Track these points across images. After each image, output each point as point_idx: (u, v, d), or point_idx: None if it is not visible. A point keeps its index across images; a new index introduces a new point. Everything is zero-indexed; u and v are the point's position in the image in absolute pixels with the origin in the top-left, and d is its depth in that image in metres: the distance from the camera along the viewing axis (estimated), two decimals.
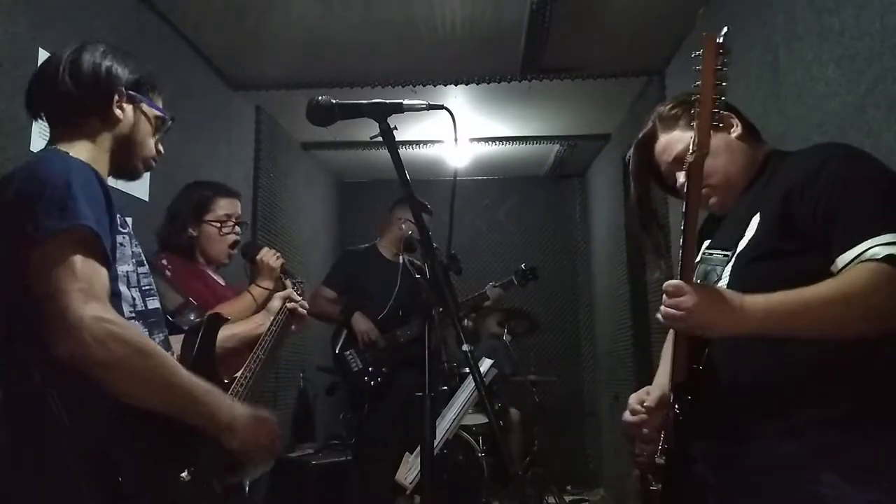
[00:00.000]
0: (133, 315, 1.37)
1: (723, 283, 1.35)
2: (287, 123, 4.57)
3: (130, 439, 1.24)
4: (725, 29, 1.22)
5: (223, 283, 2.55)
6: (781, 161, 1.41)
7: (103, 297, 1.22)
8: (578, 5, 3.08)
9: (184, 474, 1.32)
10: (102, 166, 1.46)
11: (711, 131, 1.24)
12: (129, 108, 1.49)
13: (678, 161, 1.46)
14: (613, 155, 4.87)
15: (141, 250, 1.47)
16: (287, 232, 4.60)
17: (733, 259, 1.34)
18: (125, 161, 1.53)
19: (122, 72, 1.49)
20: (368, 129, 1.45)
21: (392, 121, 1.45)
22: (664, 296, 1.23)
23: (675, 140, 1.49)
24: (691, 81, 1.26)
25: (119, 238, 1.36)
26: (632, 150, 1.58)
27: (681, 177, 1.46)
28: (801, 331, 1.18)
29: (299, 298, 2.21)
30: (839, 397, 1.21)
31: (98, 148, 1.48)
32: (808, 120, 2.15)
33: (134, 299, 1.38)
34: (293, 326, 2.17)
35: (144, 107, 1.52)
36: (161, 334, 1.45)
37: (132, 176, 1.57)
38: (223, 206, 2.51)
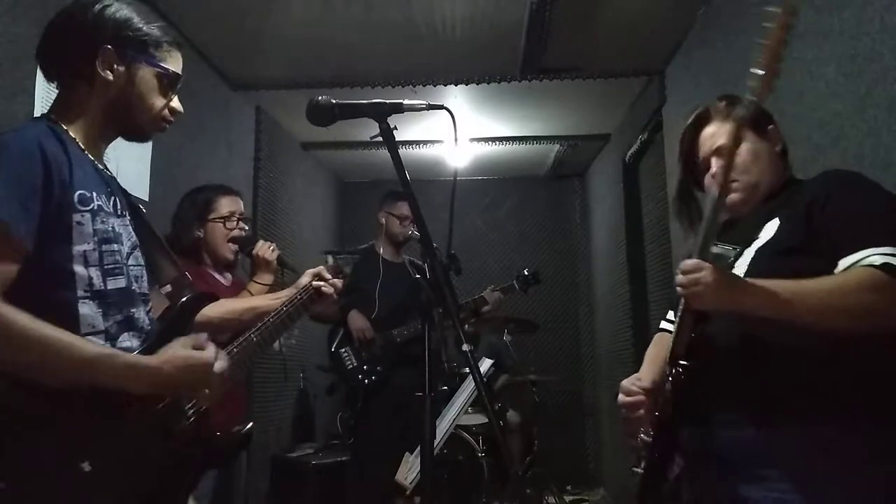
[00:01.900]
0: (87, 295, 1.31)
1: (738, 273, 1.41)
2: (287, 123, 4.57)
3: (26, 428, 1.19)
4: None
5: (228, 284, 2.57)
6: (798, 187, 1.48)
7: None
8: (578, 5, 3.08)
9: (84, 465, 1.22)
10: (90, 133, 1.40)
11: (753, 135, 1.48)
12: (120, 68, 1.39)
13: (719, 151, 1.52)
14: (613, 155, 4.87)
15: (114, 226, 1.38)
16: (287, 232, 4.60)
17: (753, 252, 1.41)
18: (125, 123, 1.45)
19: (111, 27, 1.38)
20: (368, 129, 1.44)
21: (392, 121, 1.45)
22: (680, 272, 1.31)
23: (724, 133, 1.51)
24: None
25: (77, 217, 1.29)
26: (686, 126, 1.63)
27: (714, 165, 1.53)
28: (796, 316, 1.25)
29: (329, 277, 2.03)
30: (840, 393, 1.26)
31: (88, 115, 1.40)
32: (808, 120, 2.15)
33: (91, 279, 1.31)
34: (317, 307, 2.00)
35: (141, 65, 1.41)
36: (120, 314, 1.36)
37: (141, 137, 1.50)
38: (226, 204, 2.55)
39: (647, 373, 1.61)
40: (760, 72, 1.26)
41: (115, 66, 1.38)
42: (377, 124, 1.44)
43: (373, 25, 3.25)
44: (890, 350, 1.24)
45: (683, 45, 3.35)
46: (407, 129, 4.54)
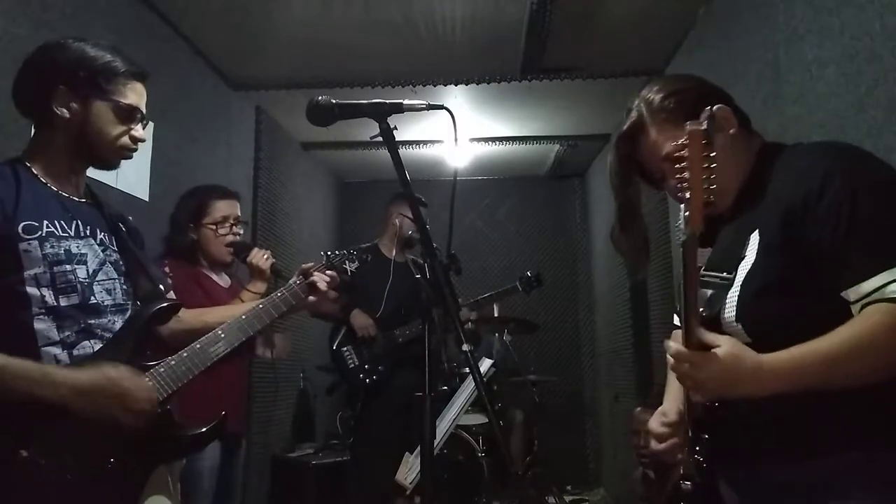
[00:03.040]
0: (42, 312, 1.42)
1: (728, 314, 1.28)
2: (287, 123, 4.57)
3: None
4: (707, 111, 1.16)
5: (225, 286, 2.56)
6: (777, 158, 1.33)
7: None
8: (579, 5, 3.08)
9: (23, 451, 1.31)
10: (55, 168, 1.51)
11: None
12: (75, 105, 1.49)
13: (668, 159, 1.37)
14: None
15: (71, 247, 1.47)
16: (287, 232, 4.60)
17: (739, 287, 1.27)
18: (88, 155, 1.55)
19: (64, 67, 1.48)
20: (368, 129, 1.45)
21: (392, 121, 1.45)
22: (673, 359, 1.20)
23: (668, 138, 1.37)
24: None
25: (23, 245, 1.40)
26: (614, 143, 1.49)
27: (669, 175, 1.38)
28: (823, 386, 1.13)
29: (311, 270, 1.96)
30: (862, 416, 1.17)
31: (53, 152, 1.51)
32: (808, 120, 2.15)
33: (44, 297, 1.42)
34: (307, 302, 1.95)
35: (95, 101, 1.50)
36: (76, 326, 1.46)
37: (106, 166, 1.59)
38: (220, 209, 2.54)
39: (671, 405, 1.46)
40: (684, 215, 1.12)
41: (71, 103, 1.49)
42: (377, 124, 1.45)
43: (373, 25, 3.25)
44: None
45: (683, 45, 3.35)
46: (407, 129, 4.54)
